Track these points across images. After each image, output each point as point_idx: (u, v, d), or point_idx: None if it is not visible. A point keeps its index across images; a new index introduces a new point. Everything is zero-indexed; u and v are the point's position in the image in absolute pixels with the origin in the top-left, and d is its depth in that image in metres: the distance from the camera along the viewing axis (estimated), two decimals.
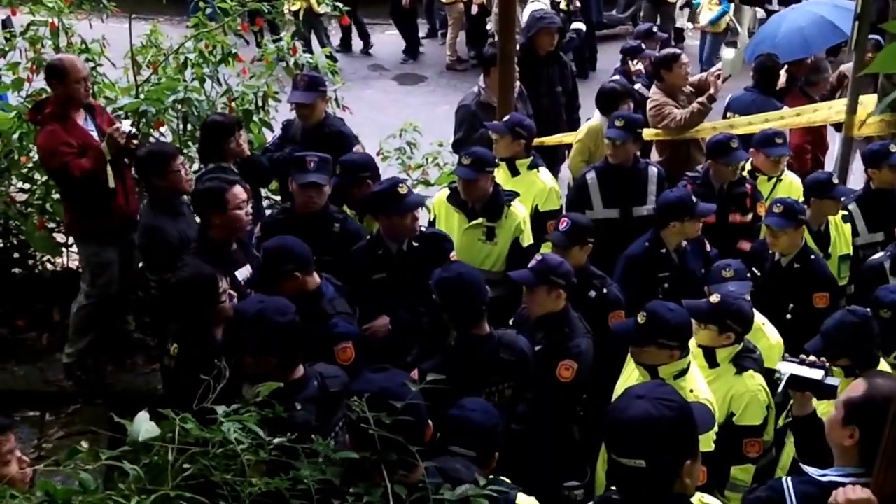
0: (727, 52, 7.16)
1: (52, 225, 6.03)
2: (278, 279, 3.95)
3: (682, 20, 12.27)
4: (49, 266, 6.22)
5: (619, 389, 3.82)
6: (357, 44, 12.64)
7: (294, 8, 9.74)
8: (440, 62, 12.30)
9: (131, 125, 5.21)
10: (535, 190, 5.39)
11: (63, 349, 5.55)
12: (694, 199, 4.88)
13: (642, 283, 4.75)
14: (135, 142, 5.16)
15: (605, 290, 4.61)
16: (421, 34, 13.06)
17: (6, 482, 2.60)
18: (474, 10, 11.81)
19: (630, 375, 3.86)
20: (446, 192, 5.23)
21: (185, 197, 5.00)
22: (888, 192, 5.45)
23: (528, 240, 5.12)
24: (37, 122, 5.28)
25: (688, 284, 4.65)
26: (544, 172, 5.54)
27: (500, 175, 5.28)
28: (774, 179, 5.67)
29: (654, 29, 8.34)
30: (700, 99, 6.51)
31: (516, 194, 5.18)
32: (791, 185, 5.66)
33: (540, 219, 5.33)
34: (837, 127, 6.64)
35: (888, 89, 5.96)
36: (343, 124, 5.82)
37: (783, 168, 5.69)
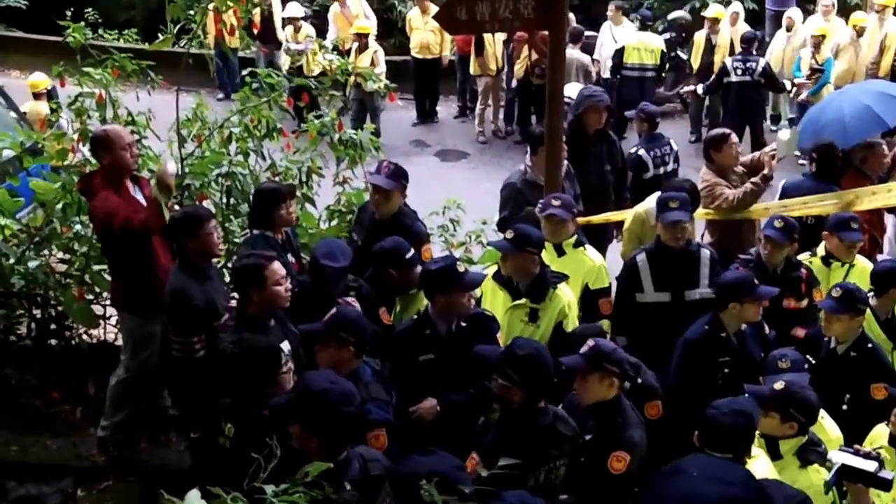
0: (783, 133, 7.22)
1: (90, 297, 6.18)
2: (334, 345, 4.17)
3: None
4: (86, 338, 6.35)
5: None
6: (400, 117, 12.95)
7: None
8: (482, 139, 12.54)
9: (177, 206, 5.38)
10: (584, 269, 5.47)
11: (97, 423, 5.65)
12: (755, 280, 4.92)
13: (702, 369, 4.75)
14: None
15: (639, 380, 4.61)
16: (452, 112, 13.39)
17: None
18: (513, 84, 12.05)
19: None
20: (494, 269, 5.32)
21: (216, 262, 5.15)
22: None
23: (572, 324, 5.14)
24: (86, 194, 5.48)
25: (747, 370, 4.66)
26: (591, 250, 5.62)
27: (546, 255, 5.35)
28: (847, 265, 5.70)
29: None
30: (754, 179, 6.51)
31: (565, 277, 5.24)
32: (864, 271, 5.64)
33: (591, 297, 5.41)
34: (890, 209, 6.67)
35: None
36: (416, 220, 5.84)
37: (855, 254, 5.74)
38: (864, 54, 11.42)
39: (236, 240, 6.15)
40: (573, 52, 10.77)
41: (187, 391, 5.04)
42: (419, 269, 5.10)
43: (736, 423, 3.72)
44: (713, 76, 11.27)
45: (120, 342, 5.79)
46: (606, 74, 11.92)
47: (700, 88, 11.49)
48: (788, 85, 11.26)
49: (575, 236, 5.56)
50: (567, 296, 5.18)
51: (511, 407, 4.06)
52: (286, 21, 12.49)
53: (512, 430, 3.96)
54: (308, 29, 12.44)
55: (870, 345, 4.90)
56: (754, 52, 11.11)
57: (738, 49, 11.77)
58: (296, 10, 12.58)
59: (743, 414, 3.76)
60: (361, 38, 11.76)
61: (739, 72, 10.83)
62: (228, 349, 4.34)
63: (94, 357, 6.18)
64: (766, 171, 6.55)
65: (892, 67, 11.37)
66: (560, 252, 5.50)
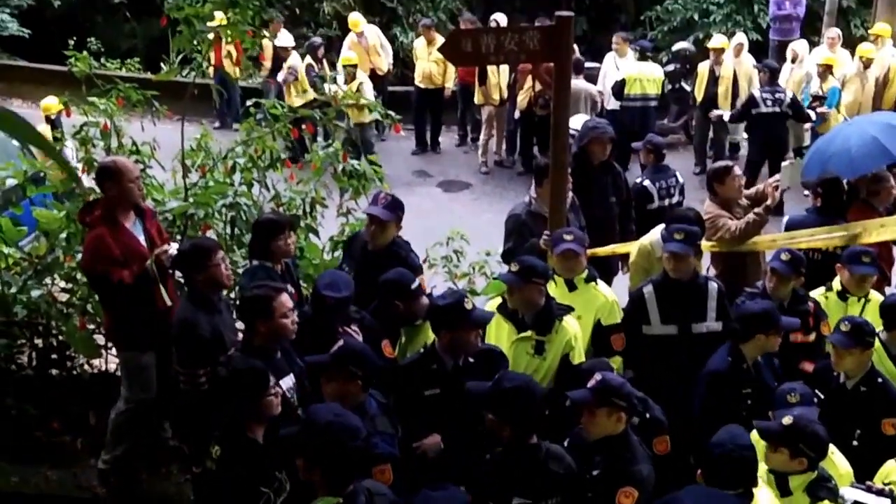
0: (786, 163, 7.27)
1: (92, 326, 6.19)
2: (341, 377, 4.16)
3: (739, 132, 12.52)
4: (87, 368, 6.38)
5: None
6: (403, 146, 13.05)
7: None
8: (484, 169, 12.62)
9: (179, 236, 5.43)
10: (597, 304, 5.46)
11: (98, 454, 5.65)
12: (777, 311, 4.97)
13: (726, 401, 4.75)
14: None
15: (647, 415, 4.62)
16: (453, 142, 13.48)
17: None
18: (516, 114, 12.14)
19: None
20: (498, 300, 5.34)
21: (225, 294, 5.18)
22: None
23: (578, 357, 5.16)
24: (86, 224, 5.51)
25: (766, 400, 4.70)
26: (603, 285, 5.63)
27: (557, 290, 5.38)
28: (863, 300, 5.73)
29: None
30: (756, 209, 6.52)
31: (570, 309, 5.26)
32: (878, 305, 5.66)
33: (603, 333, 5.42)
34: None
35: None
36: (410, 251, 5.87)
37: (868, 288, 5.78)
38: (871, 85, 11.53)
39: (239, 270, 6.19)
40: (579, 83, 10.87)
41: (190, 423, 5.06)
42: (424, 299, 5.13)
43: (743, 456, 3.75)
44: (740, 106, 11.19)
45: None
46: (610, 105, 12.01)
47: (726, 115, 11.54)
48: (813, 115, 11.32)
49: (586, 271, 5.56)
50: (573, 328, 5.20)
51: (501, 442, 4.07)
52: (279, 51, 12.57)
53: (503, 466, 3.97)
54: (293, 59, 12.49)
55: (880, 379, 4.92)
56: (779, 83, 11.16)
57: (741, 81, 11.89)
58: (285, 39, 12.66)
59: (747, 447, 3.80)
60: (347, 68, 11.79)
61: (769, 103, 10.79)
62: (220, 373, 4.41)
63: (96, 387, 6.20)
64: (768, 202, 6.57)
65: None
66: (571, 287, 5.49)
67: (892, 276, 7.17)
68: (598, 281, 5.62)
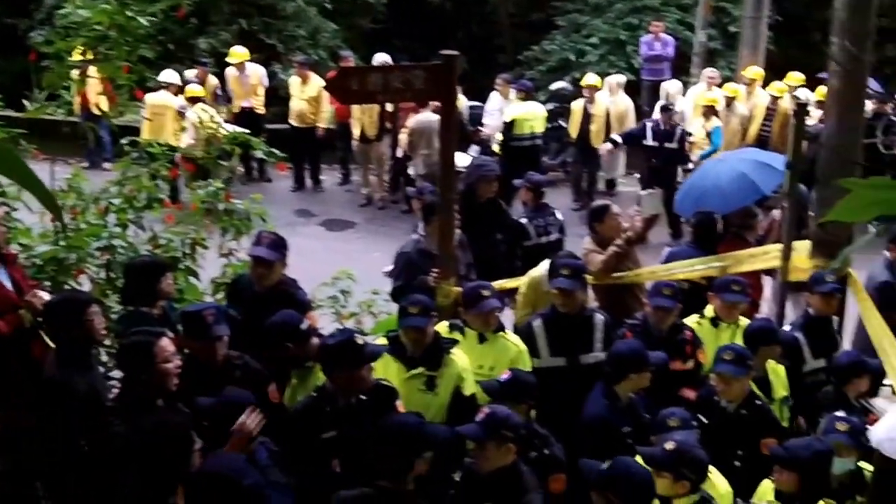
0: (643, 192, 7.68)
1: None
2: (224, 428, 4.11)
3: (616, 170, 13.00)
4: None
5: None
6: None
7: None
8: (368, 208, 12.71)
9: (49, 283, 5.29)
10: (509, 354, 5.49)
11: None
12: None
13: (608, 442, 4.82)
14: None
15: (545, 451, 4.75)
16: (336, 181, 13.55)
17: None
18: (399, 153, 12.31)
19: None
20: (385, 340, 5.38)
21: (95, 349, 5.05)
22: (825, 319, 6.20)
23: (469, 388, 5.24)
24: None
25: (645, 433, 4.88)
26: (511, 334, 5.70)
27: (467, 342, 5.47)
28: (734, 326, 6.05)
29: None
30: (617, 241, 6.75)
31: (455, 342, 5.36)
32: None
33: None
34: (767, 271, 7.15)
35: (819, 236, 6.53)
36: (297, 289, 5.89)
37: (738, 315, 6.11)
38: (736, 122, 12.23)
39: (113, 315, 6.04)
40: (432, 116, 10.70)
41: (69, 486, 4.86)
42: (314, 339, 5.13)
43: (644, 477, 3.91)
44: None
45: None
46: (496, 147, 12.31)
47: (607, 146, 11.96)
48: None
49: None
50: (462, 360, 5.28)
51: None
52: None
53: None
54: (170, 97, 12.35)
55: (758, 402, 5.25)
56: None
57: (613, 119, 12.36)
58: (167, 76, 12.46)
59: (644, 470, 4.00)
60: (194, 101, 11.63)
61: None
62: (129, 434, 4.26)
63: None
64: (629, 233, 6.83)
65: (758, 135, 12.23)
66: (482, 339, 5.55)
67: (761, 303, 7.63)
68: (507, 331, 5.71)
